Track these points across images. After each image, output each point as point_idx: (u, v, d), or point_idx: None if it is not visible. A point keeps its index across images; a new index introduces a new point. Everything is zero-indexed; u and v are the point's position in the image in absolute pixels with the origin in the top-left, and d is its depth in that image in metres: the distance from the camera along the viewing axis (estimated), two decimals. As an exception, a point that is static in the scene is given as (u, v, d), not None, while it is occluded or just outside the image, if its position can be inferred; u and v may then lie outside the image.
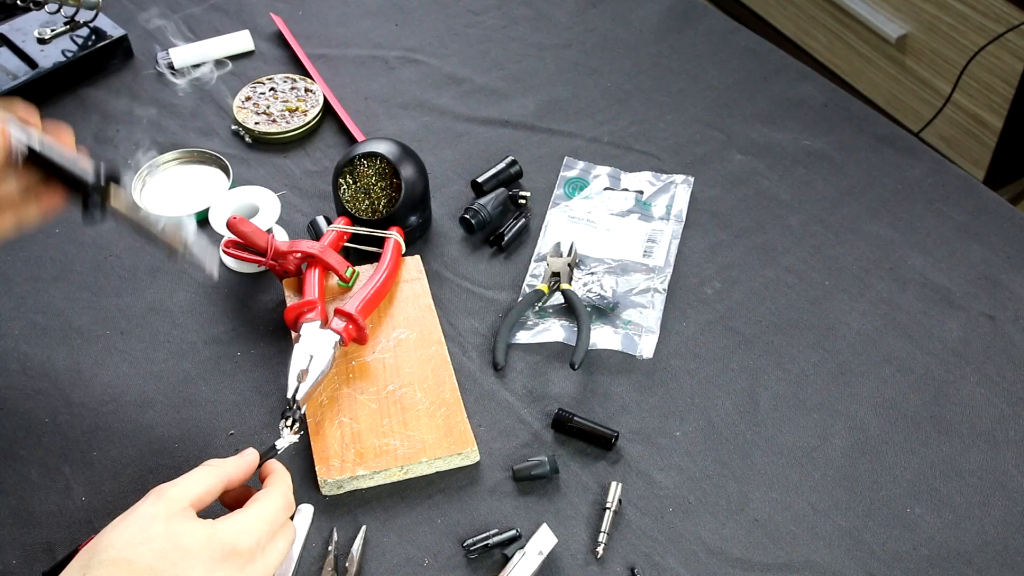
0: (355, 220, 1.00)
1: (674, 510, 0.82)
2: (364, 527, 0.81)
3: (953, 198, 1.06)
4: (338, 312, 0.89)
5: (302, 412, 0.82)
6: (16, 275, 1.01)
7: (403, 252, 0.99)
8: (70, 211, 1.06)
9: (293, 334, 0.90)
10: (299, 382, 0.83)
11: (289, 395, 0.82)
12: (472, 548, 0.79)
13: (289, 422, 0.79)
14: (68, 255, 1.03)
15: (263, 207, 1.00)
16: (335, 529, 0.81)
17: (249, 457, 0.75)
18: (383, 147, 1.00)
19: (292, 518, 0.76)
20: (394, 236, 0.98)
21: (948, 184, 1.08)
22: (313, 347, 0.86)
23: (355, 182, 1.01)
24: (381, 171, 1.00)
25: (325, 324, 0.89)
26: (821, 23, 2.18)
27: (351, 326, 0.89)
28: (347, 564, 0.78)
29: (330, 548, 0.79)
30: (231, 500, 0.74)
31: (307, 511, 0.81)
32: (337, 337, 0.88)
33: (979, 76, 1.88)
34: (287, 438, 0.79)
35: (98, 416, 0.89)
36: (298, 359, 0.85)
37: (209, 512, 0.69)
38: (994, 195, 1.08)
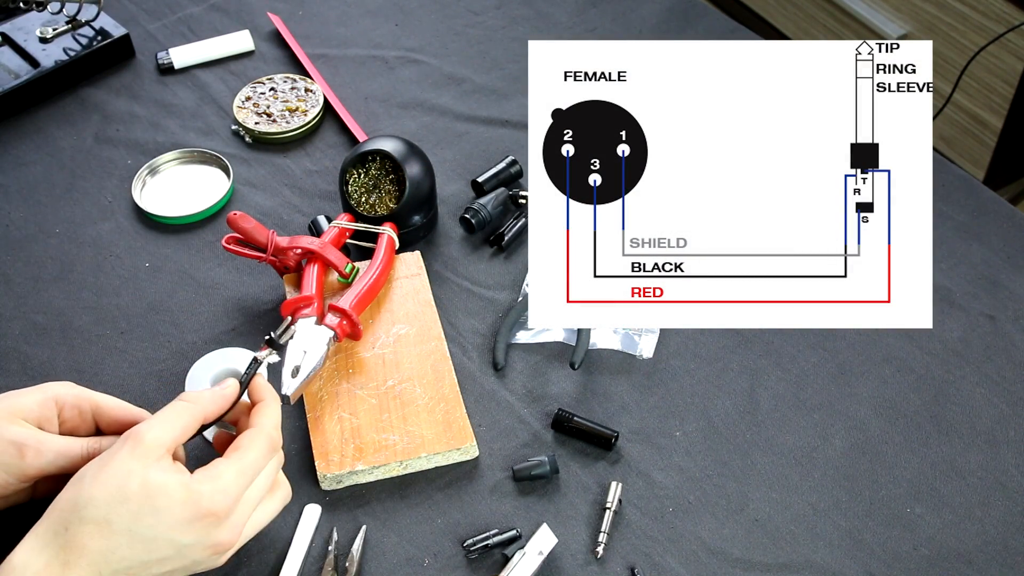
0: (360, 217, 1.00)
1: (674, 510, 0.82)
2: (364, 527, 0.81)
3: (953, 198, 1.06)
4: (332, 308, 0.89)
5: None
6: (16, 275, 1.01)
7: (396, 247, 0.98)
8: (69, 211, 1.07)
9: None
10: (292, 378, 0.83)
11: (283, 391, 0.82)
12: (472, 548, 0.79)
13: (269, 352, 0.79)
14: (68, 255, 1.03)
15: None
16: (335, 529, 0.81)
17: (228, 391, 0.74)
18: (391, 145, 1.00)
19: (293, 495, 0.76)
20: (387, 232, 0.98)
21: (948, 184, 1.08)
22: (307, 343, 0.86)
23: (363, 179, 1.01)
24: (389, 169, 1.01)
25: (322, 320, 0.89)
26: (821, 23, 2.18)
27: (345, 322, 0.89)
28: (347, 564, 0.78)
29: (330, 548, 0.79)
30: (217, 443, 0.74)
31: (313, 511, 0.81)
32: (331, 333, 0.88)
33: (979, 76, 1.88)
34: (267, 354, 0.78)
35: (98, 416, 0.88)
36: (292, 355, 0.85)
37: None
38: (994, 195, 1.07)
